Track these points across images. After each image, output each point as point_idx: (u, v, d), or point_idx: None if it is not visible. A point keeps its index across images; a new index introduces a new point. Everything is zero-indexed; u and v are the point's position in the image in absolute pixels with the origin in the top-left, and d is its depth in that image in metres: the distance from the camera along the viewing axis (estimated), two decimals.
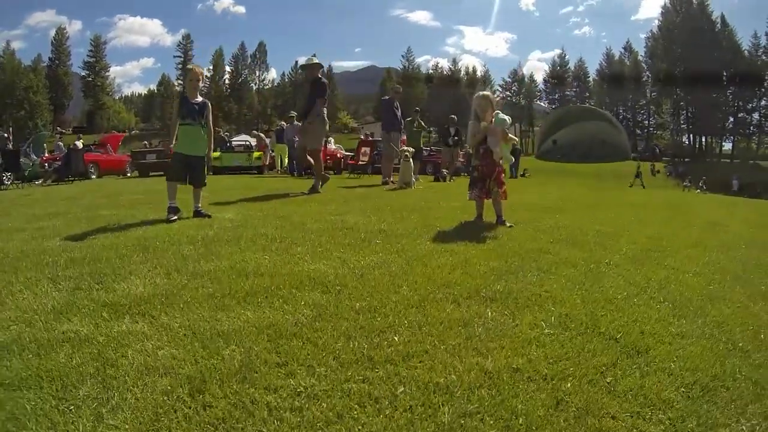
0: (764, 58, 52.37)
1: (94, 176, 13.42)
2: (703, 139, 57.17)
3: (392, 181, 8.63)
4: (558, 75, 68.22)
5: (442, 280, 2.20)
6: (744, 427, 1.25)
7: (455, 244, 2.93)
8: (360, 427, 1.18)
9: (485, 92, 4.20)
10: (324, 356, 1.51)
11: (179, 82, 73.25)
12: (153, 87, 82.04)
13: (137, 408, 1.24)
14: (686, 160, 52.14)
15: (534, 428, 1.19)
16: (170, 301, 1.90)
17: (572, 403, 1.29)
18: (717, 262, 2.99)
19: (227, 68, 73.57)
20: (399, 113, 9.41)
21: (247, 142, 16.65)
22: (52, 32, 69.48)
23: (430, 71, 76.61)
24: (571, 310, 1.90)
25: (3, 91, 52.09)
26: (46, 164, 12.70)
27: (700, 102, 53.80)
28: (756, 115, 53.68)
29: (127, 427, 1.17)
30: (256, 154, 14.49)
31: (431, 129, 30.01)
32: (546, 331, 1.72)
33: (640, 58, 62.73)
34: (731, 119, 54.88)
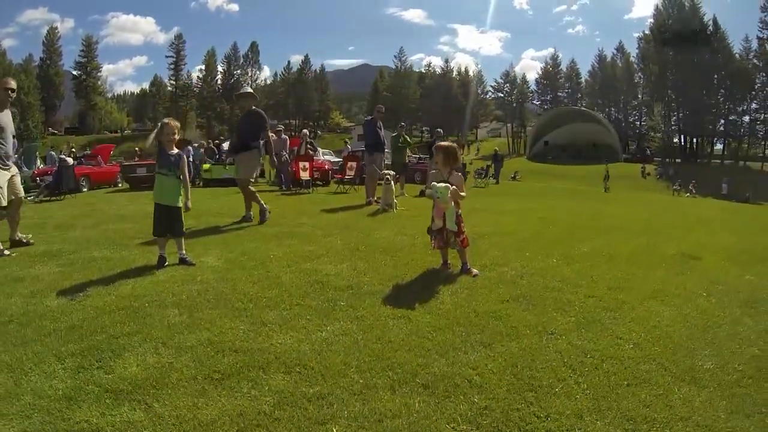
0: (755, 61, 52.99)
1: (85, 189, 13.60)
2: (695, 140, 57.78)
3: (376, 201, 8.91)
4: (550, 76, 68.57)
5: (387, 361, 2.39)
6: None
7: (413, 307, 3.12)
8: None
9: (447, 143, 4.28)
10: None
11: (171, 82, 73.04)
12: (146, 86, 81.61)
13: None
14: (677, 161, 52.79)
15: None
16: (160, 384, 2.20)
17: None
18: (667, 324, 3.03)
19: (219, 68, 73.26)
20: (382, 133, 9.74)
21: None
22: (44, 30, 69.03)
23: (423, 70, 76.89)
24: (492, 401, 2.03)
25: None
26: (38, 178, 12.87)
27: (692, 104, 54.36)
28: (746, 118, 54.36)
29: None
30: None
31: (416, 146, 30.68)
32: (462, 427, 1.88)
33: (632, 59, 63.22)
34: (722, 121, 55.50)
